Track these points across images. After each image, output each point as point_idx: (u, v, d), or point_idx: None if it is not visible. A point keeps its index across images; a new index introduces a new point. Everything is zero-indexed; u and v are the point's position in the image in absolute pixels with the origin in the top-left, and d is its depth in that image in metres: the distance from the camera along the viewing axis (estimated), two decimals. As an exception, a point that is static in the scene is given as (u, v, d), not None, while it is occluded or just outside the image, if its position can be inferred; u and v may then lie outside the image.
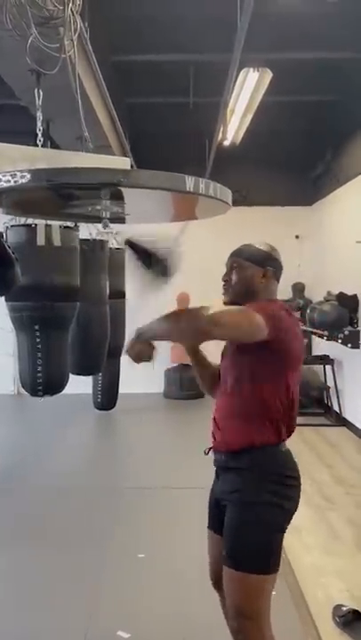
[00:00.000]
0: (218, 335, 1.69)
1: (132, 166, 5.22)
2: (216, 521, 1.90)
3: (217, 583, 1.94)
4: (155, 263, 1.70)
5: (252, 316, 1.68)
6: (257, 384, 1.77)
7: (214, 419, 1.92)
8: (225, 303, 1.90)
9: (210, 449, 1.93)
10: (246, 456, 1.79)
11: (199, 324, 1.67)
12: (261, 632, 1.73)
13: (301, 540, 3.28)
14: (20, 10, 2.10)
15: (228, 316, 1.71)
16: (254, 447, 1.78)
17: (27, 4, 2.10)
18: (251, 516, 1.75)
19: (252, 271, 1.86)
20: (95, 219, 2.52)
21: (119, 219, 2.51)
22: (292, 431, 1.85)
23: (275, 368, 1.77)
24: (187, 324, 1.72)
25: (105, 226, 2.25)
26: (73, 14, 2.24)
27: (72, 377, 3.18)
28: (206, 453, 1.95)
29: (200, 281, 6.47)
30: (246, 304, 1.80)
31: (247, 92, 4.49)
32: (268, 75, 4.25)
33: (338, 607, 2.53)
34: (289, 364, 1.80)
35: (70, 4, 2.19)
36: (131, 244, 1.72)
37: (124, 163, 2.62)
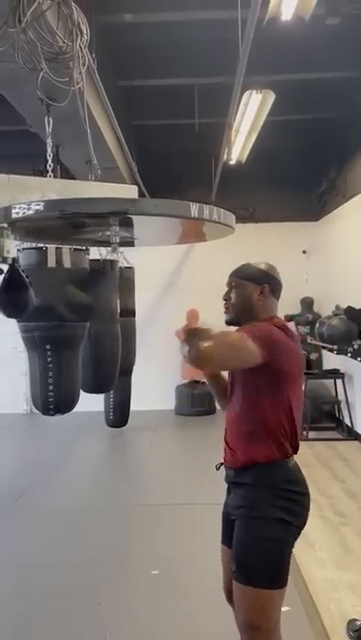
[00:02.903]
0: (209, 369, 1.70)
1: (139, 187, 5.33)
2: (228, 535, 1.93)
3: (230, 597, 1.95)
4: None
5: (242, 345, 1.71)
6: (258, 400, 1.81)
7: (225, 434, 1.95)
8: (226, 322, 1.94)
9: (221, 464, 1.97)
10: (252, 472, 1.82)
11: (191, 357, 1.67)
12: None
13: (315, 554, 3.29)
14: (30, 46, 2.19)
15: (221, 345, 1.70)
16: (259, 463, 1.81)
17: (37, 41, 2.20)
18: (257, 532, 1.77)
19: (249, 289, 1.90)
20: (105, 243, 2.60)
21: (128, 242, 2.58)
22: (297, 447, 1.87)
23: (274, 384, 1.80)
24: (187, 354, 1.69)
25: (114, 250, 2.32)
26: (81, 49, 2.32)
27: (83, 395, 3.22)
28: (217, 469, 1.99)
29: (210, 297, 6.52)
30: (246, 324, 1.84)
31: (251, 112, 4.57)
32: (271, 96, 4.34)
33: (352, 621, 2.54)
34: (288, 378, 1.82)
35: (79, 40, 2.29)
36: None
37: (132, 191, 2.70)
